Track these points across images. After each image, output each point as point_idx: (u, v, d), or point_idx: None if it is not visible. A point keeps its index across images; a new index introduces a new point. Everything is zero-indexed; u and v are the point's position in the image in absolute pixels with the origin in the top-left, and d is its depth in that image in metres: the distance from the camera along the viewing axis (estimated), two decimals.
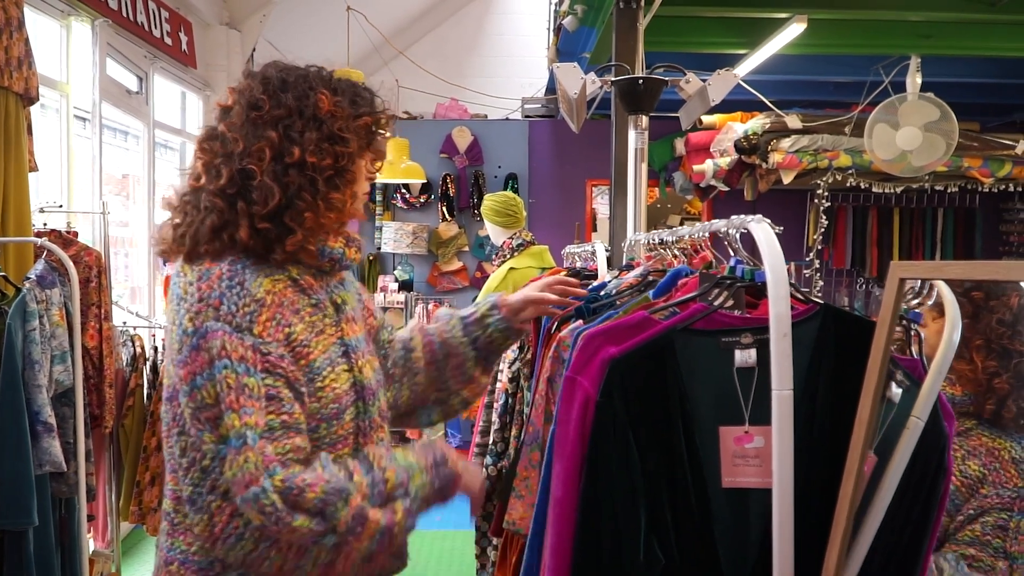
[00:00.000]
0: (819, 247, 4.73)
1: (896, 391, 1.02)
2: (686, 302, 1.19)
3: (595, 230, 6.24)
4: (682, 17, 3.98)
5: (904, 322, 1.14)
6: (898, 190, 4.75)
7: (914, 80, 3.90)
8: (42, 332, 2.39)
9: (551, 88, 5.95)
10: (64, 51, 3.50)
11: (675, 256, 1.72)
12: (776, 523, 1.02)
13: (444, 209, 6.06)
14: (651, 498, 1.06)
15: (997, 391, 1.49)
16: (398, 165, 5.01)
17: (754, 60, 4.05)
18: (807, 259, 4.81)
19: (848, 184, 4.58)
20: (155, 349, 3.19)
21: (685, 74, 2.29)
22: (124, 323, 3.19)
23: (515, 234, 3.37)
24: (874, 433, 1.00)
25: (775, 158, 4.38)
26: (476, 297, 3.44)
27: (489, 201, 3.45)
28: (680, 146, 5.53)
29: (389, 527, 1.11)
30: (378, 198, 6.08)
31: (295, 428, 1.11)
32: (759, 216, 1.13)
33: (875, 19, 4.02)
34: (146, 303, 4.33)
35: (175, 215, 1.21)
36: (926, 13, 3.91)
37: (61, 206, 3.12)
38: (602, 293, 1.60)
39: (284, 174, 1.15)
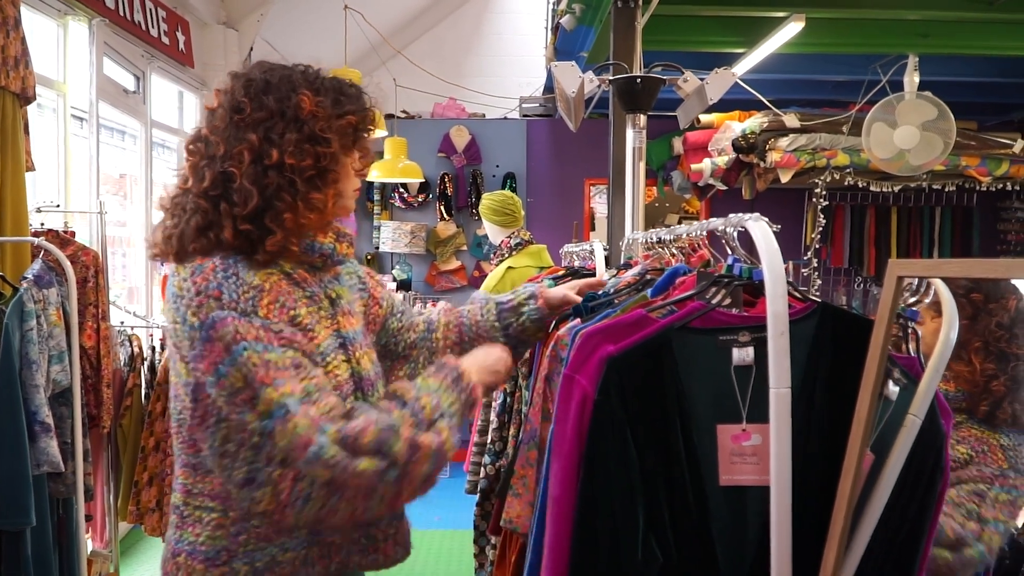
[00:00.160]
0: (817, 246, 4.73)
1: (893, 389, 1.02)
2: (684, 300, 1.19)
3: (593, 229, 6.24)
4: (680, 16, 3.98)
5: (901, 320, 1.14)
6: (896, 189, 4.76)
7: (912, 79, 3.89)
8: (39, 332, 2.39)
9: (549, 87, 5.94)
10: (61, 50, 3.50)
11: (673, 255, 1.72)
12: (774, 521, 1.02)
13: (442, 208, 6.06)
14: (649, 496, 1.06)
15: (994, 393, 1.50)
16: (396, 164, 5.01)
17: (752, 59, 4.05)
18: (805, 258, 4.81)
19: (846, 183, 4.58)
20: (153, 349, 3.18)
21: (683, 73, 2.29)
22: (122, 323, 3.18)
23: (513, 233, 3.37)
24: (872, 431, 1.00)
25: (773, 157, 4.38)
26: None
27: (487, 200, 3.44)
28: (678, 145, 5.53)
29: (440, 447, 1.15)
30: (376, 197, 6.07)
31: (326, 389, 1.14)
32: (757, 215, 1.13)
33: (873, 18, 4.02)
34: (143, 303, 4.32)
35: (166, 217, 1.24)
36: (924, 12, 3.91)
37: (58, 206, 3.11)
38: (599, 292, 1.60)
39: (263, 176, 1.17)
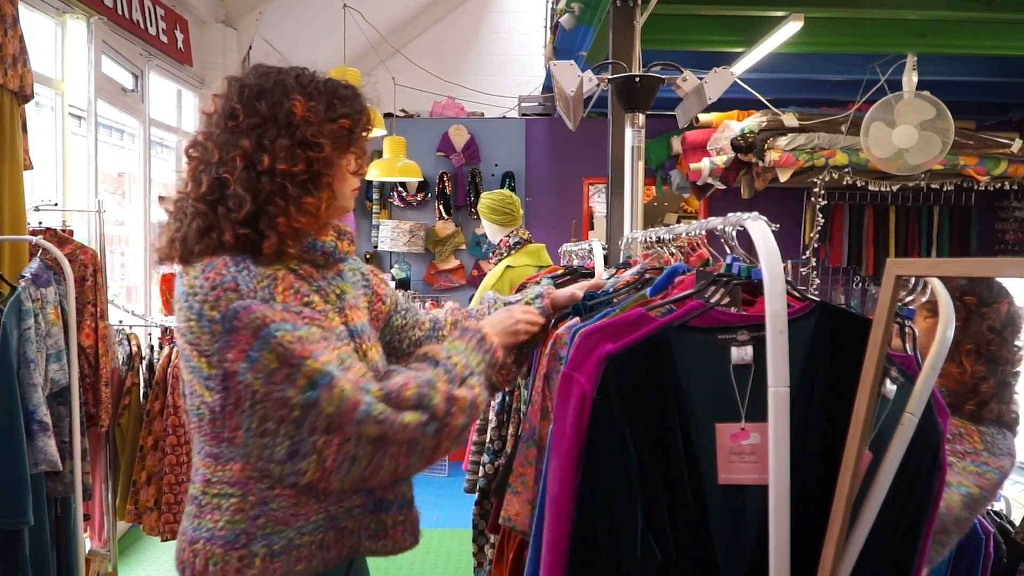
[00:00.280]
0: (815, 245, 4.73)
1: (890, 387, 1.02)
2: (683, 299, 1.19)
3: (592, 228, 6.24)
4: (679, 15, 3.98)
5: (898, 319, 1.14)
6: (894, 188, 4.76)
7: (910, 78, 3.90)
8: (37, 331, 2.38)
9: (548, 86, 5.95)
10: (59, 49, 3.49)
11: (672, 254, 1.72)
12: (772, 519, 1.02)
13: (441, 207, 6.06)
14: (648, 495, 1.06)
15: (982, 394, 1.55)
16: (395, 163, 5.00)
17: (751, 58, 4.05)
18: (804, 257, 4.82)
19: (844, 182, 4.58)
20: (151, 348, 3.18)
21: (682, 72, 2.29)
22: (120, 322, 3.18)
23: (512, 232, 3.36)
24: (870, 430, 1.00)
25: (772, 156, 4.38)
26: (473, 296, 3.45)
27: (486, 199, 3.44)
28: (677, 144, 5.53)
29: (474, 400, 1.24)
30: (375, 196, 6.07)
31: (354, 356, 1.23)
32: (755, 214, 1.13)
33: (871, 18, 4.02)
34: (142, 302, 4.32)
35: (169, 221, 1.27)
36: (922, 12, 3.92)
37: (56, 204, 3.11)
38: (599, 291, 1.61)
39: (256, 181, 1.21)
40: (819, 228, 4.65)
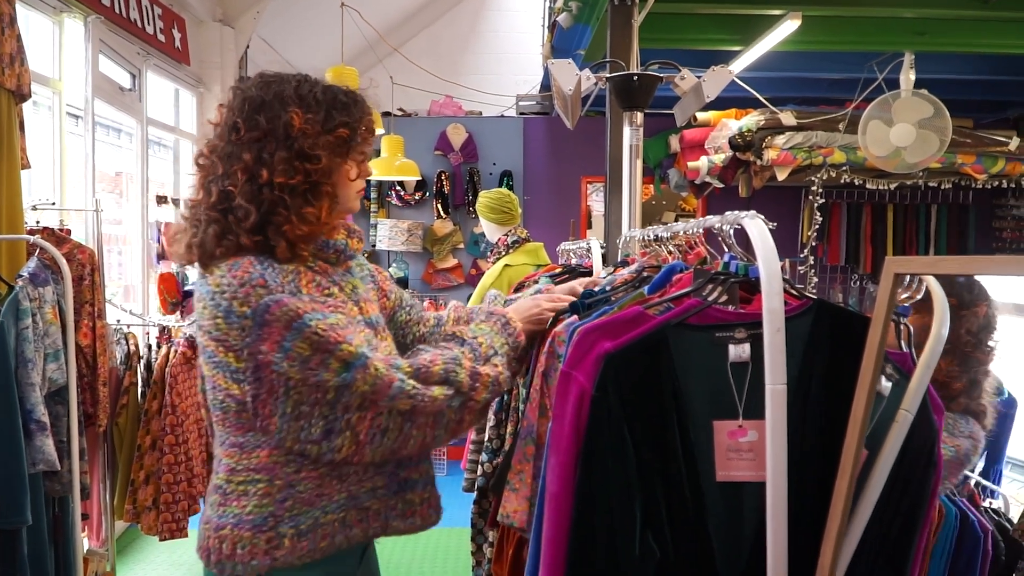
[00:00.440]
0: (813, 243, 4.74)
1: (886, 384, 1.03)
2: (681, 298, 1.19)
3: (590, 227, 6.24)
4: (677, 14, 3.98)
5: (893, 316, 1.14)
6: (892, 187, 4.76)
7: (908, 77, 3.90)
8: (35, 330, 2.38)
9: (546, 85, 5.95)
10: (56, 48, 3.48)
11: (670, 252, 1.73)
12: (770, 516, 1.02)
13: (439, 206, 6.05)
14: (646, 492, 1.06)
15: (952, 390, 1.62)
16: (393, 162, 5.00)
17: (748, 57, 4.05)
18: (801, 255, 4.82)
19: (842, 181, 4.58)
20: (149, 347, 3.18)
21: (680, 71, 2.29)
22: (118, 321, 3.18)
23: (510, 231, 3.36)
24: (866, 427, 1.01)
25: (770, 155, 4.38)
26: (471, 295, 3.45)
27: (484, 198, 3.44)
28: (675, 143, 5.53)
29: (497, 377, 1.33)
30: (373, 195, 6.07)
31: (376, 340, 1.33)
32: (753, 212, 1.13)
33: (869, 16, 4.02)
34: (139, 301, 4.31)
35: (186, 227, 1.34)
36: (920, 10, 3.91)
37: (54, 203, 3.10)
38: (596, 289, 1.61)
39: (259, 193, 1.28)
40: (817, 226, 4.65)
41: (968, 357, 1.60)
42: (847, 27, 4.15)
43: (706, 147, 5.03)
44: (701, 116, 5.09)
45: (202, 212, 1.31)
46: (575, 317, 1.42)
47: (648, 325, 1.11)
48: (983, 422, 1.63)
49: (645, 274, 1.58)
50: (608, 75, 2.33)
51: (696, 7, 3.97)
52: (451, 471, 5.16)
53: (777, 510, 1.02)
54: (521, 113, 6.24)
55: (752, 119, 4.55)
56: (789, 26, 3.55)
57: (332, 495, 1.31)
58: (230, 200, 1.28)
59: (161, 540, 3.01)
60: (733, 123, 4.77)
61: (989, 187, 4.77)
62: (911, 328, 1.14)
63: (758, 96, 3.90)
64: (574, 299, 1.57)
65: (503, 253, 3.33)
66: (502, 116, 6.28)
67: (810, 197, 4.66)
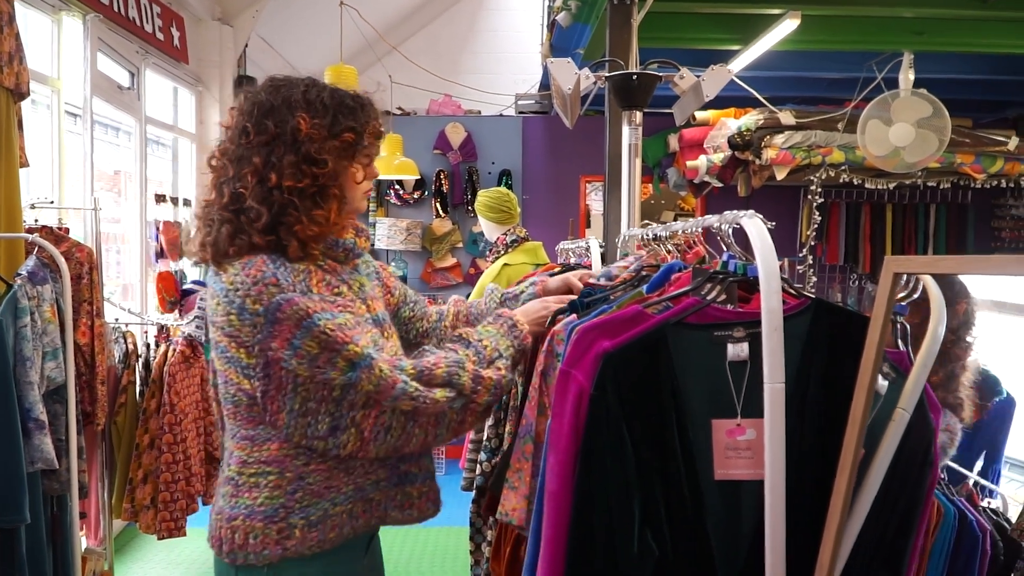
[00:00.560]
0: (812, 243, 4.73)
1: (883, 383, 1.03)
2: (679, 296, 1.19)
3: (589, 226, 6.24)
4: (676, 13, 3.98)
5: (892, 315, 1.14)
6: (891, 186, 4.76)
7: (907, 76, 3.90)
8: (33, 328, 2.38)
9: (545, 84, 5.94)
10: (55, 46, 3.48)
11: (669, 251, 1.73)
12: (768, 515, 1.02)
13: (438, 205, 6.05)
14: (644, 491, 1.06)
15: (929, 383, 1.61)
16: (391, 161, 5.00)
17: (748, 56, 4.05)
18: (800, 255, 4.82)
19: (841, 180, 4.58)
20: (147, 346, 3.18)
21: (679, 70, 2.30)
22: (116, 320, 3.17)
23: (509, 230, 3.36)
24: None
25: (768, 154, 4.38)
26: (470, 294, 3.45)
27: (483, 197, 3.44)
28: (674, 142, 5.53)
29: (499, 381, 1.36)
30: (371, 194, 6.07)
31: (383, 340, 1.35)
32: (751, 211, 1.13)
33: (868, 15, 4.02)
34: (138, 300, 4.31)
35: (199, 227, 1.38)
36: (919, 9, 3.92)
37: (52, 202, 3.10)
38: (591, 280, 1.63)
39: (269, 195, 1.31)
40: (816, 226, 4.65)
41: (947, 352, 1.63)
42: (846, 26, 4.15)
43: (705, 146, 5.03)
44: (700, 115, 5.09)
45: (215, 212, 1.35)
46: (574, 316, 1.43)
47: (647, 324, 1.11)
48: (960, 415, 1.66)
49: (644, 273, 1.58)
50: (607, 74, 2.33)
51: (695, 6, 3.97)
52: (450, 470, 5.16)
53: (775, 508, 1.02)
54: (520, 112, 6.24)
55: (751, 118, 4.55)
56: (788, 25, 3.55)
57: (340, 487, 1.34)
58: (242, 201, 1.32)
59: (159, 539, 3.01)
60: (732, 122, 4.77)
61: (988, 187, 4.77)
62: (908, 326, 1.14)
63: (757, 95, 3.90)
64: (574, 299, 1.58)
65: (502, 252, 3.33)
66: (501, 115, 6.28)
67: (809, 196, 4.66)
